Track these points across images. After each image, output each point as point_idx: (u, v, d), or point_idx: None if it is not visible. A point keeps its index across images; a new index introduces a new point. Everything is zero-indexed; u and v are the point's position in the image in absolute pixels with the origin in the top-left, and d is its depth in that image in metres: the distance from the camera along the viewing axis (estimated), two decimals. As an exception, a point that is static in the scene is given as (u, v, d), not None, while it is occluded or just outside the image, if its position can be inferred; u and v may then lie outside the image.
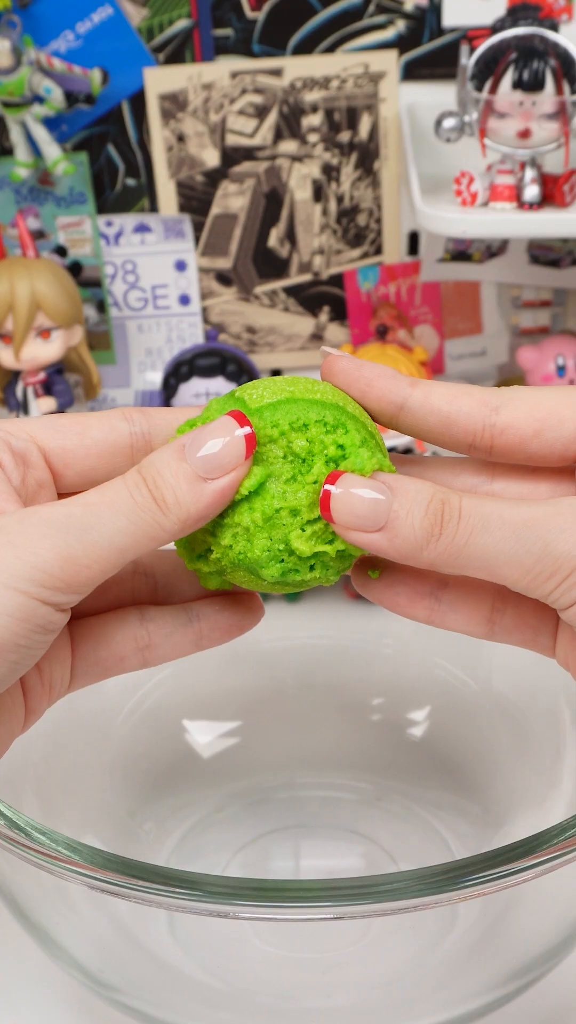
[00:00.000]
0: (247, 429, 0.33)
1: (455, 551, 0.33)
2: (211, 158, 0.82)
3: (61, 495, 0.36)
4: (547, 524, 0.32)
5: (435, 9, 0.77)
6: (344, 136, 0.81)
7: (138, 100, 0.80)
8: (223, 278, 0.86)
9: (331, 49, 0.79)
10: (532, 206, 0.70)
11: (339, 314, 0.87)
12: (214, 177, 0.82)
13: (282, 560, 0.34)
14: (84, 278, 0.85)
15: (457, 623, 0.38)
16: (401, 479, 0.34)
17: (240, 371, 0.80)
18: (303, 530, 0.34)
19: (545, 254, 0.85)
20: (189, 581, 0.40)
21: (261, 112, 0.80)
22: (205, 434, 0.33)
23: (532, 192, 0.70)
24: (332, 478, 0.33)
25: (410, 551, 0.33)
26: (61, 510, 0.32)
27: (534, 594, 0.33)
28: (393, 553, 0.33)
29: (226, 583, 0.38)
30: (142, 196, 0.83)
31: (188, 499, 0.33)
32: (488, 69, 0.68)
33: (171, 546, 0.36)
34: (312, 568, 0.35)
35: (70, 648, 0.38)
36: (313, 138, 0.81)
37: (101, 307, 0.86)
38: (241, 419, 0.33)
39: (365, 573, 0.38)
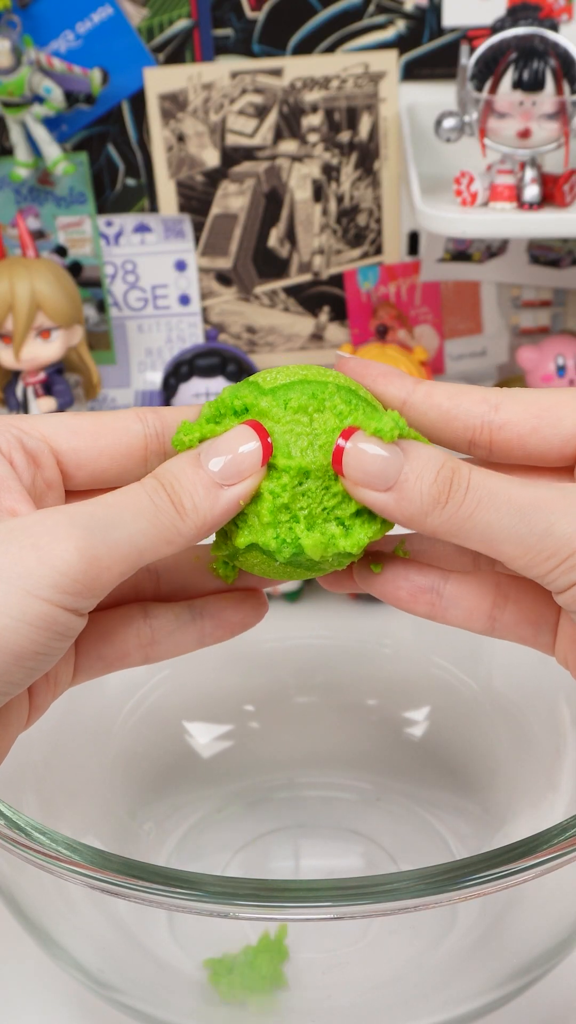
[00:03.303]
0: (261, 438, 0.34)
1: (459, 521, 0.33)
2: (211, 158, 0.82)
3: (69, 495, 0.37)
4: (553, 506, 0.33)
5: (435, 9, 0.77)
6: (344, 136, 0.81)
7: (138, 100, 0.80)
8: (223, 278, 0.86)
9: (331, 49, 0.79)
10: (532, 206, 0.70)
11: (339, 314, 0.87)
12: (214, 177, 0.82)
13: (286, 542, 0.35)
14: (84, 278, 0.85)
15: (458, 618, 0.38)
16: (415, 443, 0.34)
17: (240, 371, 0.80)
18: None
19: (545, 254, 0.85)
20: (193, 577, 0.40)
21: (261, 112, 0.80)
22: (221, 443, 0.34)
23: (532, 192, 0.70)
24: (346, 434, 0.34)
25: (415, 515, 0.33)
26: (84, 509, 0.32)
27: (530, 573, 0.34)
28: (398, 515, 0.34)
29: (231, 574, 0.38)
30: (142, 196, 0.83)
31: (205, 505, 0.34)
32: (488, 69, 0.68)
33: None
34: None
35: (74, 645, 0.38)
36: (313, 138, 0.81)
37: (101, 307, 0.86)
38: (257, 428, 0.34)
39: (367, 567, 0.38)
